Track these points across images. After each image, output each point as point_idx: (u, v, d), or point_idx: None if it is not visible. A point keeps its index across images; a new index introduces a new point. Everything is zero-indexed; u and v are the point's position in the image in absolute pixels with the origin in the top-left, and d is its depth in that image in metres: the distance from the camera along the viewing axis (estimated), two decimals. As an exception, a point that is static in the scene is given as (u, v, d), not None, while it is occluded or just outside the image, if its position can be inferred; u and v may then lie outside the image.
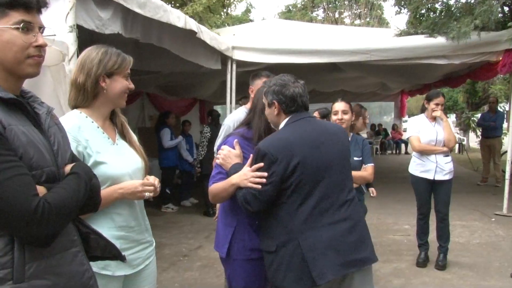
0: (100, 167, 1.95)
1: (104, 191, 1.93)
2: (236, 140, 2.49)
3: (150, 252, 2.24)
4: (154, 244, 2.30)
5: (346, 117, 3.61)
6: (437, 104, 4.77)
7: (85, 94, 2.02)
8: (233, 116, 3.48)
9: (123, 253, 1.89)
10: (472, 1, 7.86)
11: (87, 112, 2.05)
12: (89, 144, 1.97)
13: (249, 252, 2.51)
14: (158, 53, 5.42)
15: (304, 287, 2.17)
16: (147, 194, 2.04)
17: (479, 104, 17.89)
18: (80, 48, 3.04)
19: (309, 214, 2.20)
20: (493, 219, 7.01)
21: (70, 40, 3.03)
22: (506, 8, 8.43)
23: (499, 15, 7.54)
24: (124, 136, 2.18)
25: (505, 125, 10.93)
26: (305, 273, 2.16)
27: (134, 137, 2.24)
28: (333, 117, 3.65)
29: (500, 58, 7.24)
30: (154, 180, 2.11)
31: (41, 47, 1.46)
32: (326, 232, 2.20)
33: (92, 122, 2.05)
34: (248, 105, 3.43)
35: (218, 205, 3.32)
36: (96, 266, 1.89)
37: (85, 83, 1.99)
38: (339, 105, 3.65)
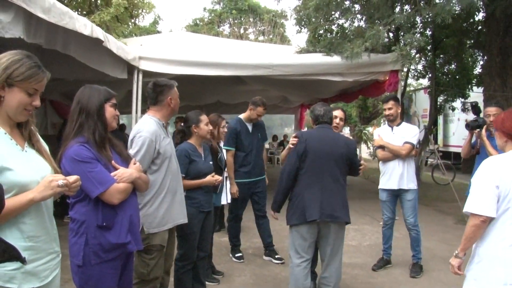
0: (6, 174, 1.82)
1: (15, 198, 1.83)
2: None
3: (57, 263, 2.13)
4: (61, 255, 2.18)
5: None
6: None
7: None
8: (149, 128, 3.25)
9: (31, 264, 1.88)
10: (363, 26, 8.63)
11: None
12: None
13: (105, 254, 2.49)
14: (63, 60, 5.28)
15: (298, 221, 3.70)
16: (60, 182, 1.90)
17: (369, 118, 19.35)
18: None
19: (314, 180, 3.71)
20: (380, 223, 7.60)
21: (-37, 41, 2.78)
22: (391, 34, 9.36)
23: (385, 39, 8.37)
24: (33, 145, 2.06)
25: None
26: (301, 213, 3.67)
27: (45, 147, 2.13)
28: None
29: (387, 78, 8.01)
30: (69, 178, 1.98)
31: None
32: (322, 192, 3.68)
33: None
34: (158, 115, 3.36)
35: None
36: (1, 280, 1.81)
37: None
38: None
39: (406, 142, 5.01)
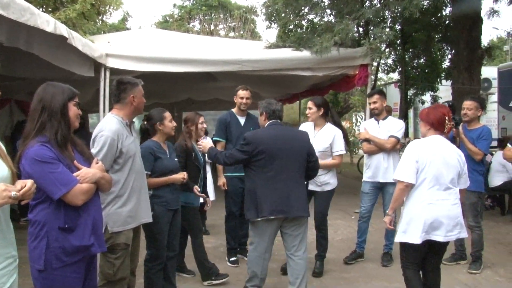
0: None
1: None
2: None
3: (15, 268, 2.10)
4: (18, 259, 2.14)
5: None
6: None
7: None
8: (110, 127, 3.18)
9: None
10: (333, 20, 8.65)
11: None
12: None
13: (67, 257, 2.41)
14: (27, 59, 5.10)
15: (252, 216, 3.80)
16: (13, 193, 1.88)
17: (341, 113, 19.47)
18: None
19: (266, 178, 3.76)
20: (353, 217, 7.73)
21: None
22: (360, 29, 9.41)
23: (355, 34, 8.40)
24: None
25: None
26: (255, 210, 3.76)
27: (1, 146, 2.10)
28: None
29: (357, 72, 8.03)
30: (23, 183, 1.96)
31: None
32: (273, 190, 3.74)
33: None
34: (121, 113, 3.30)
35: None
36: None
37: None
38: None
39: (391, 136, 5.13)
